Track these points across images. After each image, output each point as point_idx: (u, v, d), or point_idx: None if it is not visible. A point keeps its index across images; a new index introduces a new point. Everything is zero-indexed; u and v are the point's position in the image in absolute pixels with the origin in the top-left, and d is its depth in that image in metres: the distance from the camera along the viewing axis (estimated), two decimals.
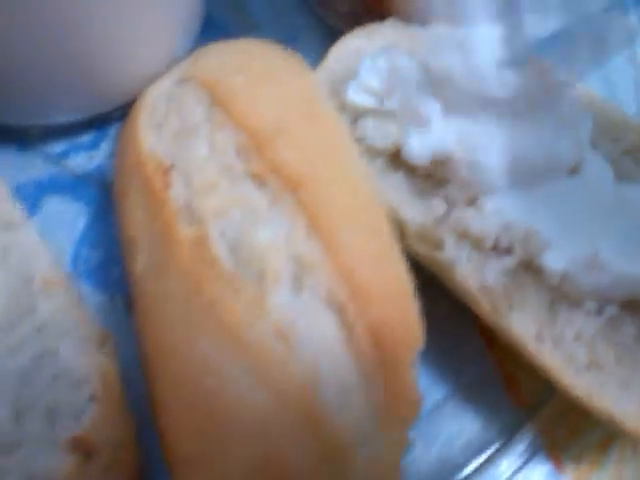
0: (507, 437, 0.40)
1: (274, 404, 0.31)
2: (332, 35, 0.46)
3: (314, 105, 0.39)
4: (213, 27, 0.51)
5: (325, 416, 0.31)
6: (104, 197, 0.45)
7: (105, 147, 0.47)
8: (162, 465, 0.33)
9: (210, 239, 0.34)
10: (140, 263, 0.35)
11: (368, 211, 0.36)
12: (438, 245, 0.38)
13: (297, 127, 0.37)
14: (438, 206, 0.38)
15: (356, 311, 0.32)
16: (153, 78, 0.43)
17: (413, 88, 0.39)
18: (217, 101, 0.38)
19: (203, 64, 0.41)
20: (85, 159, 0.47)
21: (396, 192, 0.39)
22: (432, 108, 0.38)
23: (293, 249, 0.33)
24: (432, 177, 0.39)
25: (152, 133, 0.39)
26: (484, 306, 0.36)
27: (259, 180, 0.35)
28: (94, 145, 0.47)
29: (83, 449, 0.30)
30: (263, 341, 0.31)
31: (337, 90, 0.42)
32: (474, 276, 0.37)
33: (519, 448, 0.40)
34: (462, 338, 0.42)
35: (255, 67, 0.40)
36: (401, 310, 0.34)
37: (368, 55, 0.41)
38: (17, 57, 0.40)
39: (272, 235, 0.34)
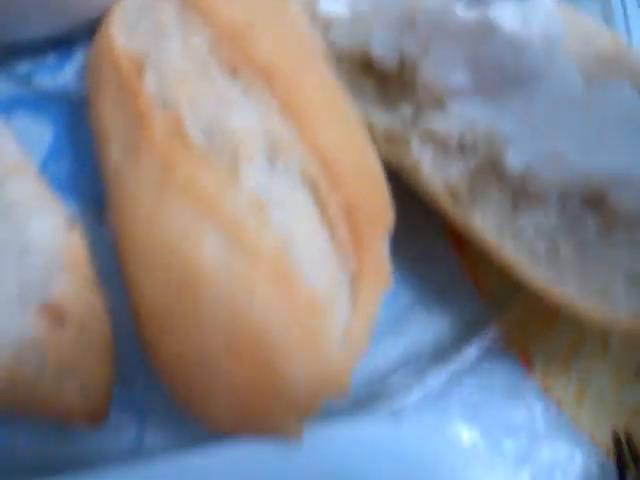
0: (474, 333, 0.41)
1: (248, 268, 0.31)
2: None
3: (283, 3, 0.40)
4: None
5: (298, 279, 0.32)
6: (70, 114, 0.45)
7: (69, 69, 0.47)
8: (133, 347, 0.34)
9: (184, 123, 0.34)
10: (114, 155, 0.36)
11: (338, 101, 0.37)
12: (405, 147, 0.39)
13: (267, 22, 0.38)
14: (405, 109, 0.39)
15: (329, 187, 0.34)
16: None
17: None
18: (188, 1, 0.38)
19: None
20: (50, 79, 0.47)
21: (365, 98, 0.40)
22: (400, 12, 0.39)
23: (266, 130, 0.34)
24: (400, 83, 0.40)
25: (125, 36, 0.39)
26: (448, 205, 0.38)
27: (232, 72, 0.36)
28: (59, 66, 0.47)
29: (54, 316, 0.30)
30: (238, 211, 0.32)
31: (309, 2, 0.42)
32: (439, 175, 0.38)
33: (485, 344, 0.41)
34: (430, 243, 0.43)
35: None
36: (372, 189, 0.35)
37: None
38: None
39: (245, 119, 0.35)
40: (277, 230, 0.32)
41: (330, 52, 0.41)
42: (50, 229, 0.33)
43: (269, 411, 0.33)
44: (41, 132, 0.45)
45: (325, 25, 0.42)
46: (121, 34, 0.39)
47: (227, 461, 0.34)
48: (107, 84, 0.38)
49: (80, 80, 0.47)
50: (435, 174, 0.38)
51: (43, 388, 0.30)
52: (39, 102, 0.46)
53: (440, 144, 0.38)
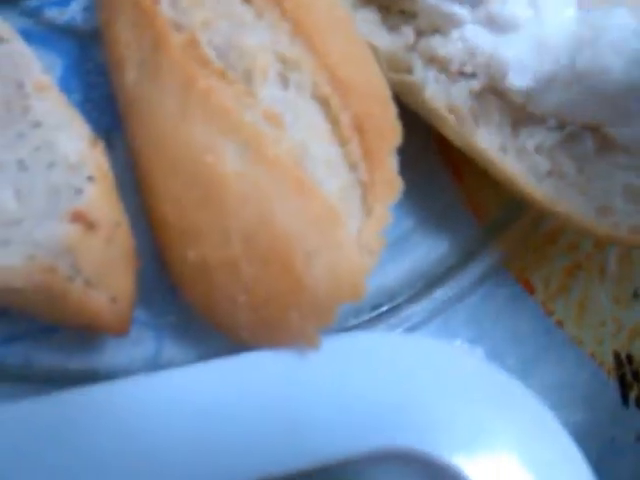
0: (474, 256, 0.43)
1: (268, 178, 0.33)
2: None
3: None
4: None
5: (315, 187, 0.33)
6: (77, 48, 0.46)
7: (75, 4, 0.48)
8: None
9: (200, 43, 0.36)
10: (130, 77, 0.37)
11: (346, 22, 0.38)
12: (408, 70, 0.40)
13: None
14: (407, 34, 0.41)
15: (339, 103, 0.35)
16: None
17: None
18: None
19: None
20: (56, 14, 0.47)
21: (369, 25, 0.41)
22: None
23: (278, 50, 0.36)
24: (403, 12, 0.41)
25: None
26: (451, 125, 0.39)
27: None
28: (65, 1, 0.48)
29: (84, 221, 0.31)
30: (255, 123, 0.34)
31: None
32: (442, 97, 0.39)
33: (486, 266, 0.42)
34: (430, 169, 0.44)
35: None
36: (381, 105, 0.36)
37: None
38: None
39: (258, 40, 0.36)
40: (293, 142, 0.34)
41: None
42: (76, 143, 0.34)
43: (289, 319, 0.34)
44: (49, 65, 0.45)
45: None
46: None
47: (242, 370, 0.35)
48: (121, 11, 0.39)
49: (86, 14, 0.47)
50: (438, 95, 0.39)
51: (74, 294, 0.31)
52: (48, 35, 0.46)
53: (442, 66, 0.40)
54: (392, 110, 0.37)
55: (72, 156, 0.33)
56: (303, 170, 0.33)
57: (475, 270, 0.42)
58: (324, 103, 0.35)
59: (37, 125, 0.34)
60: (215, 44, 0.36)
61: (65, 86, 0.44)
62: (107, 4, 0.41)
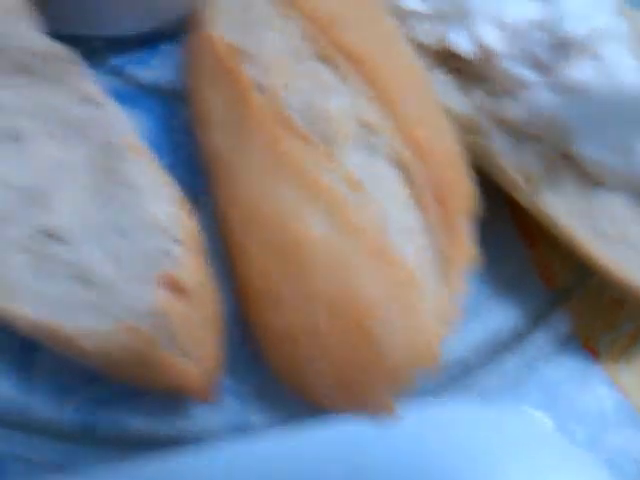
0: (541, 321, 0.42)
1: (350, 242, 0.34)
2: None
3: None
4: None
5: (395, 255, 0.34)
6: (162, 106, 0.47)
7: (159, 61, 0.49)
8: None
9: (283, 105, 0.36)
10: (217, 135, 0.38)
11: (424, 86, 0.39)
12: (479, 132, 0.40)
13: (355, 13, 0.40)
14: (478, 96, 0.41)
15: (419, 169, 0.36)
16: None
17: None
18: None
19: None
20: (141, 72, 0.48)
21: (441, 86, 0.41)
22: (477, 8, 0.41)
23: (360, 115, 0.36)
24: (475, 73, 0.42)
25: (223, 26, 0.41)
26: (521, 187, 0.39)
27: (325, 59, 0.38)
28: (149, 59, 0.49)
29: (173, 285, 0.32)
30: (338, 188, 0.34)
31: None
32: (511, 159, 0.39)
33: (553, 333, 0.42)
34: (500, 234, 0.43)
35: None
36: (458, 170, 0.37)
37: None
38: None
39: (340, 103, 0.37)
40: (373, 207, 0.35)
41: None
42: (166, 206, 0.34)
43: (367, 384, 0.34)
44: (135, 123, 0.46)
45: (401, 18, 0.43)
46: (219, 25, 0.41)
47: (322, 437, 0.35)
48: (206, 70, 0.40)
49: (171, 72, 0.48)
50: (508, 157, 0.39)
51: (162, 358, 0.32)
52: (133, 94, 0.47)
53: (512, 129, 0.40)
54: (468, 175, 0.37)
55: (163, 219, 0.33)
56: (384, 238, 0.34)
57: (544, 336, 0.42)
58: (404, 169, 0.36)
59: (129, 187, 0.35)
60: (297, 106, 0.37)
61: (151, 145, 0.45)
62: (192, 63, 0.42)
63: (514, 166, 0.39)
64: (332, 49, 0.38)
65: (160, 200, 0.34)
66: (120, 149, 0.36)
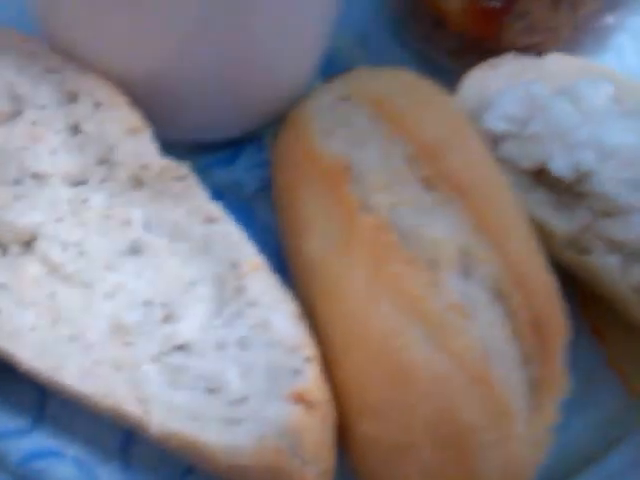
0: (626, 432, 0.44)
1: (451, 366, 0.35)
2: (432, 68, 0.50)
3: (465, 124, 0.44)
4: None
5: (495, 382, 0.35)
6: (243, 207, 0.49)
7: (240, 163, 0.51)
8: None
9: (388, 226, 0.39)
10: (313, 243, 0.40)
11: (524, 215, 0.41)
12: (586, 250, 0.42)
13: (459, 140, 0.42)
14: (582, 215, 0.42)
15: (520, 300, 0.37)
16: (286, 103, 0.49)
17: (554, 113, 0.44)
18: (386, 117, 0.42)
19: (361, 86, 0.46)
20: (225, 172, 0.51)
21: (540, 206, 0.44)
22: (577, 129, 0.43)
23: (463, 242, 0.38)
24: (573, 191, 0.43)
25: (323, 136, 0.43)
26: (632, 302, 0.41)
27: (428, 184, 0.40)
28: (232, 160, 0.51)
29: (305, 402, 0.34)
30: (440, 312, 0.36)
31: (472, 118, 0.46)
32: (623, 278, 0.41)
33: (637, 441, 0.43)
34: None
35: (411, 89, 0.45)
36: (555, 300, 0.38)
37: (506, 86, 0.46)
38: (189, 84, 0.45)
39: (443, 229, 0.39)
40: (475, 334, 0.36)
41: (502, 167, 0.43)
42: (291, 322, 0.36)
43: None
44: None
45: (491, 140, 0.45)
46: (318, 134, 0.44)
47: None
48: (307, 179, 0.43)
49: (250, 173, 0.51)
50: (619, 276, 0.41)
51: (293, 473, 0.33)
52: (216, 195, 0.49)
53: (622, 249, 0.41)
54: (562, 304, 0.38)
55: (289, 336, 0.35)
56: (485, 365, 0.36)
57: (629, 447, 0.43)
58: (504, 298, 0.37)
59: (253, 304, 0.37)
60: (401, 229, 0.39)
61: None
62: (288, 168, 0.45)
63: (625, 284, 0.41)
64: (435, 174, 0.40)
65: (285, 317, 0.36)
66: (243, 267, 0.38)
